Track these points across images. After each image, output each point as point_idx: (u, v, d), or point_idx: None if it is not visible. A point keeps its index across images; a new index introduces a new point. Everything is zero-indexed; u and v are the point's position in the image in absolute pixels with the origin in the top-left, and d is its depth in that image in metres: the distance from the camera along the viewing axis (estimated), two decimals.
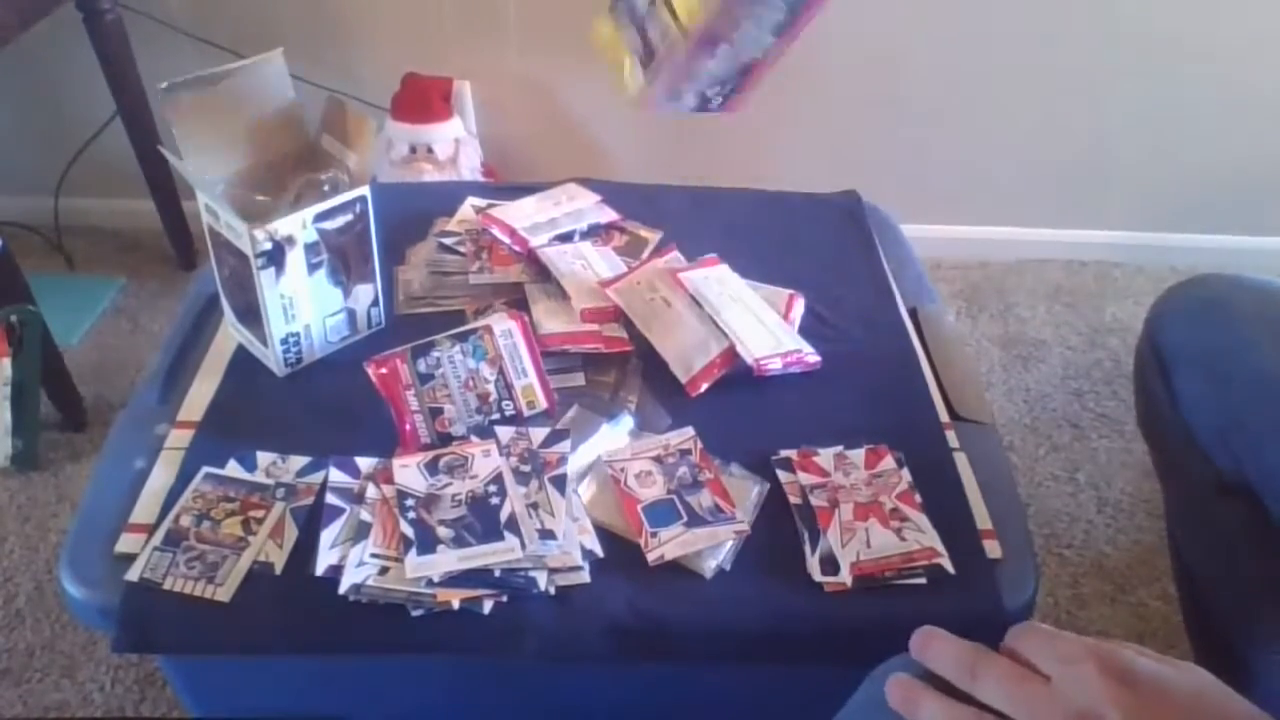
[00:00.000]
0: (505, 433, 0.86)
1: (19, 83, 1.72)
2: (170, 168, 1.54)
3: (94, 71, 1.53)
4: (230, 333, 0.98)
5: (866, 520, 0.80)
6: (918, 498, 0.82)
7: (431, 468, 0.82)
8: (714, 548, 0.78)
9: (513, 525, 0.77)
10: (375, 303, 0.98)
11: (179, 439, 0.87)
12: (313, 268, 0.90)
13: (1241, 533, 0.79)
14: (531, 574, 0.75)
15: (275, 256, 0.86)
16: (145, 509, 0.81)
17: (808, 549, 0.78)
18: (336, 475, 0.83)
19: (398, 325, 0.99)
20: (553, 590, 0.75)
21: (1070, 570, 1.27)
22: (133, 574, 0.75)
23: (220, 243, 0.90)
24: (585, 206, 1.14)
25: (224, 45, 1.59)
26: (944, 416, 0.92)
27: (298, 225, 0.86)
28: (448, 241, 1.10)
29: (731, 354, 0.93)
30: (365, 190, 0.90)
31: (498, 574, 0.75)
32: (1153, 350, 0.88)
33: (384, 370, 0.86)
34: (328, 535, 0.78)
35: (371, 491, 0.81)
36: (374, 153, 1.55)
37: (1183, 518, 0.92)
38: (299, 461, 0.84)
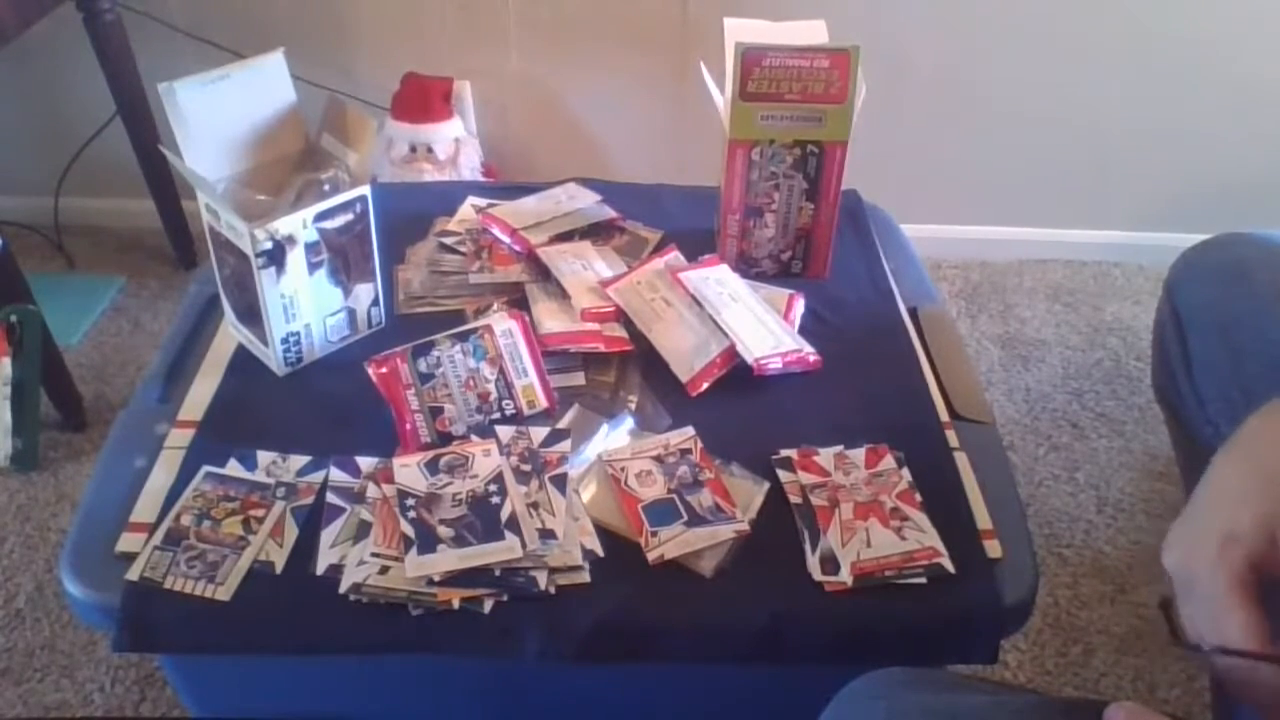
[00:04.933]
0: (506, 432, 0.86)
1: (19, 83, 1.72)
2: (170, 168, 1.54)
3: (94, 71, 1.53)
4: (230, 332, 0.98)
5: (867, 520, 0.80)
6: (918, 497, 0.82)
7: (432, 467, 0.82)
8: (714, 547, 0.78)
9: (513, 525, 0.77)
10: (375, 302, 0.98)
11: (179, 438, 0.87)
12: (313, 267, 0.90)
13: None
14: (532, 573, 0.75)
15: (276, 256, 0.86)
16: (146, 508, 0.81)
17: (808, 548, 0.78)
18: (337, 474, 0.83)
19: (398, 325, 0.99)
20: (553, 590, 0.75)
21: (1070, 570, 1.27)
22: (133, 573, 0.75)
23: (220, 242, 0.90)
24: (585, 206, 1.14)
25: (224, 45, 1.59)
26: (944, 416, 0.92)
27: (298, 225, 0.86)
28: (448, 241, 1.10)
29: (732, 354, 0.93)
30: (365, 190, 0.90)
31: (498, 573, 0.75)
32: (1171, 311, 0.88)
33: (384, 370, 0.86)
34: (328, 535, 0.78)
35: (372, 491, 0.82)
36: (374, 152, 1.56)
37: (1193, 483, 0.92)
38: (299, 461, 0.84)
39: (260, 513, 0.80)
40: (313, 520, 0.80)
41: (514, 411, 0.88)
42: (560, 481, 0.82)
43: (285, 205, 0.92)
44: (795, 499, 0.82)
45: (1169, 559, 0.52)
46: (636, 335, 0.96)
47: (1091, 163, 1.78)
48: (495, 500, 0.79)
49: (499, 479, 0.81)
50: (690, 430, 0.87)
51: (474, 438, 0.86)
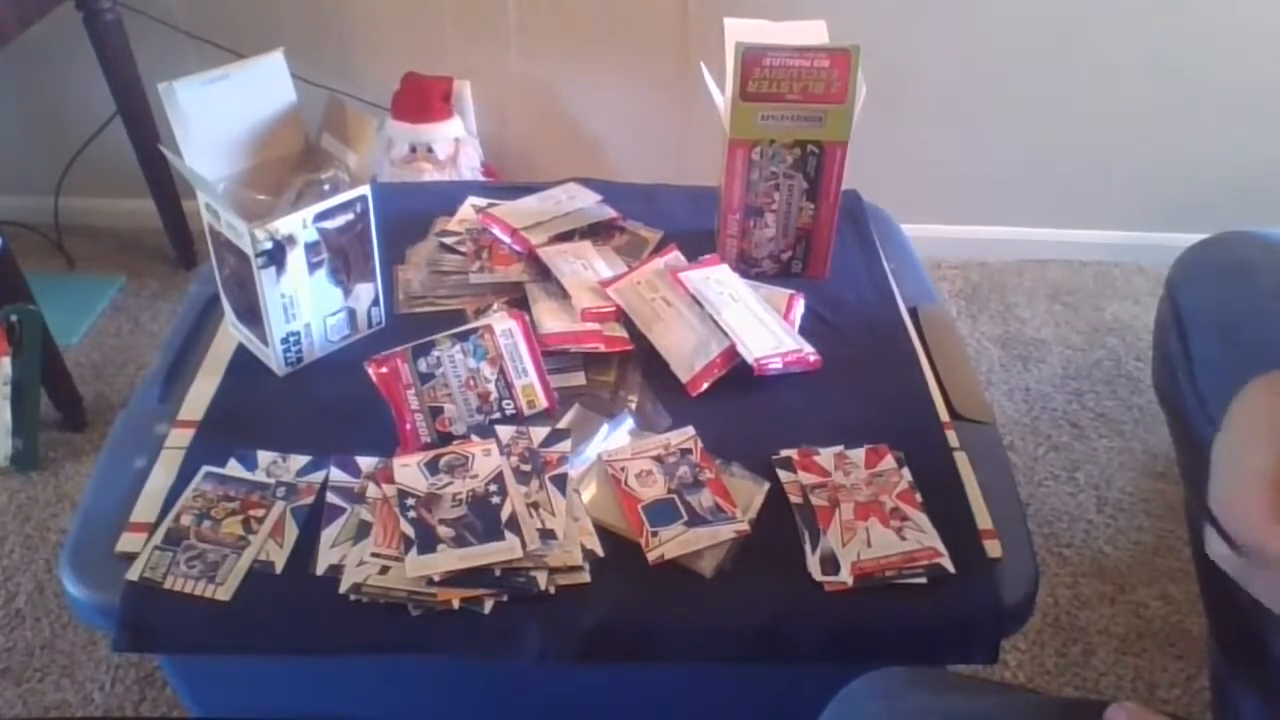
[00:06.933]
0: (506, 432, 0.86)
1: (19, 83, 1.72)
2: (170, 167, 1.55)
3: (94, 71, 1.53)
4: (231, 332, 0.98)
5: (867, 520, 0.80)
6: (918, 497, 0.82)
7: (432, 467, 0.82)
8: (714, 547, 0.78)
9: (513, 525, 0.77)
10: (376, 302, 0.98)
11: (179, 438, 0.87)
12: (313, 267, 0.90)
13: None
14: (532, 574, 0.75)
15: (276, 256, 0.86)
16: (146, 508, 0.81)
17: (808, 548, 0.78)
18: (337, 474, 0.83)
19: (398, 325, 0.99)
20: (553, 590, 0.75)
21: (1070, 570, 1.27)
22: (133, 573, 0.75)
23: (221, 242, 0.90)
24: (586, 206, 1.14)
25: (224, 45, 1.59)
26: (944, 416, 0.92)
27: (298, 224, 0.86)
28: (448, 241, 1.10)
29: (732, 354, 0.93)
30: (366, 190, 0.90)
31: (498, 574, 0.75)
32: (1172, 310, 0.88)
33: (384, 369, 0.86)
34: (328, 535, 0.78)
35: (372, 491, 0.82)
36: (374, 152, 1.56)
37: (1195, 484, 0.92)
38: (299, 461, 0.84)
39: (260, 513, 0.80)
40: (313, 520, 0.80)
41: (514, 411, 0.88)
42: (560, 481, 0.82)
43: (285, 205, 0.92)
44: (795, 499, 0.82)
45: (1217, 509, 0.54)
46: (637, 335, 0.96)
47: (1091, 163, 1.78)
48: (495, 500, 0.79)
49: (499, 479, 0.81)
50: (690, 430, 0.87)
51: (474, 438, 0.86)
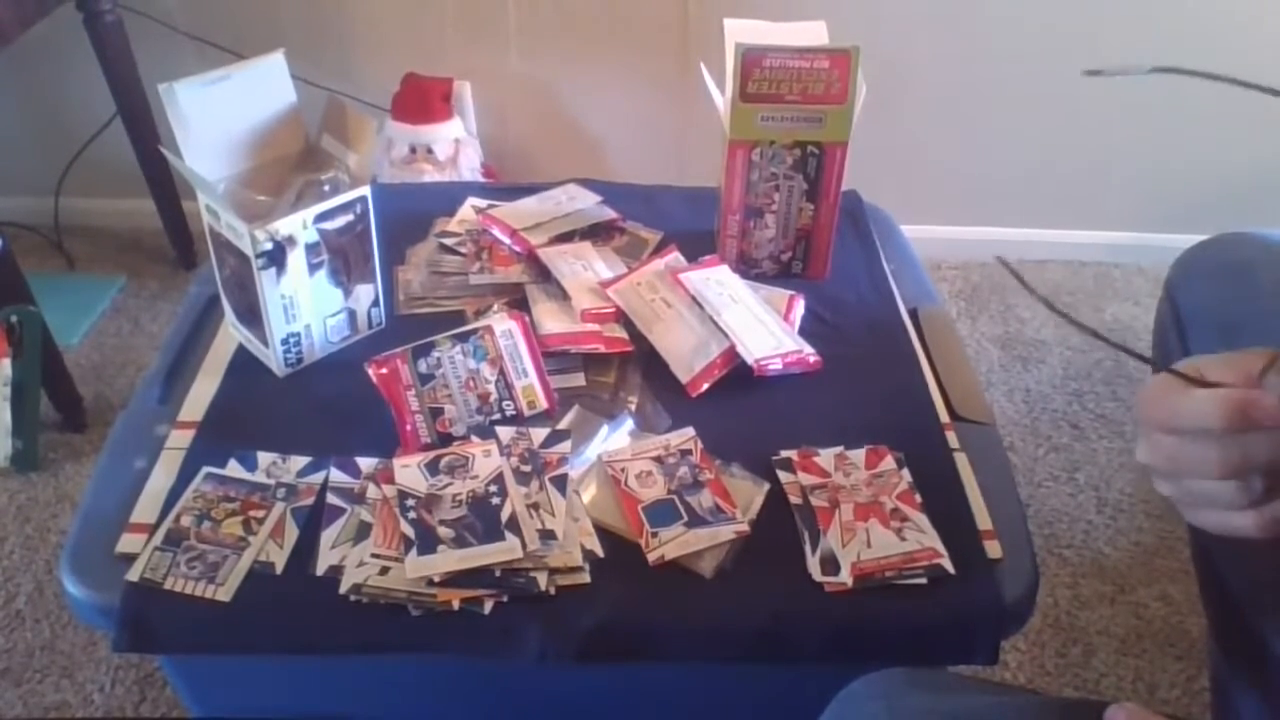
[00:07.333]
0: (506, 433, 0.86)
1: (19, 83, 1.72)
2: (170, 168, 1.54)
3: (94, 71, 1.53)
4: (231, 333, 0.98)
5: (867, 520, 0.80)
6: (918, 498, 0.82)
7: (432, 468, 0.82)
8: (714, 548, 0.78)
9: (513, 525, 0.77)
10: (376, 303, 0.98)
11: (179, 439, 0.87)
12: (313, 268, 0.90)
13: None
14: (532, 574, 0.75)
15: (276, 257, 0.86)
16: (146, 509, 0.81)
17: (808, 549, 0.78)
18: (337, 475, 0.83)
19: (398, 325, 0.99)
20: (553, 590, 0.75)
21: (1070, 570, 1.27)
22: (133, 574, 0.75)
23: (221, 243, 0.90)
24: (585, 207, 1.14)
25: (224, 45, 1.59)
26: (944, 417, 0.92)
27: (298, 225, 0.86)
28: (448, 242, 1.10)
29: (732, 354, 0.93)
30: (366, 190, 0.90)
31: (498, 574, 0.75)
32: (1171, 310, 0.88)
33: (384, 370, 0.86)
34: (328, 535, 0.78)
35: (372, 491, 0.82)
36: (374, 153, 1.56)
37: None
38: (299, 461, 0.84)
39: (260, 513, 0.80)
40: (313, 521, 0.80)
41: (514, 412, 0.88)
42: (560, 482, 0.82)
43: (285, 206, 0.92)
44: (795, 500, 0.82)
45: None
46: (636, 336, 0.96)
47: (1091, 163, 1.78)
48: (495, 501, 0.79)
49: (499, 480, 0.81)
50: (690, 431, 0.87)
51: (474, 438, 0.86)
